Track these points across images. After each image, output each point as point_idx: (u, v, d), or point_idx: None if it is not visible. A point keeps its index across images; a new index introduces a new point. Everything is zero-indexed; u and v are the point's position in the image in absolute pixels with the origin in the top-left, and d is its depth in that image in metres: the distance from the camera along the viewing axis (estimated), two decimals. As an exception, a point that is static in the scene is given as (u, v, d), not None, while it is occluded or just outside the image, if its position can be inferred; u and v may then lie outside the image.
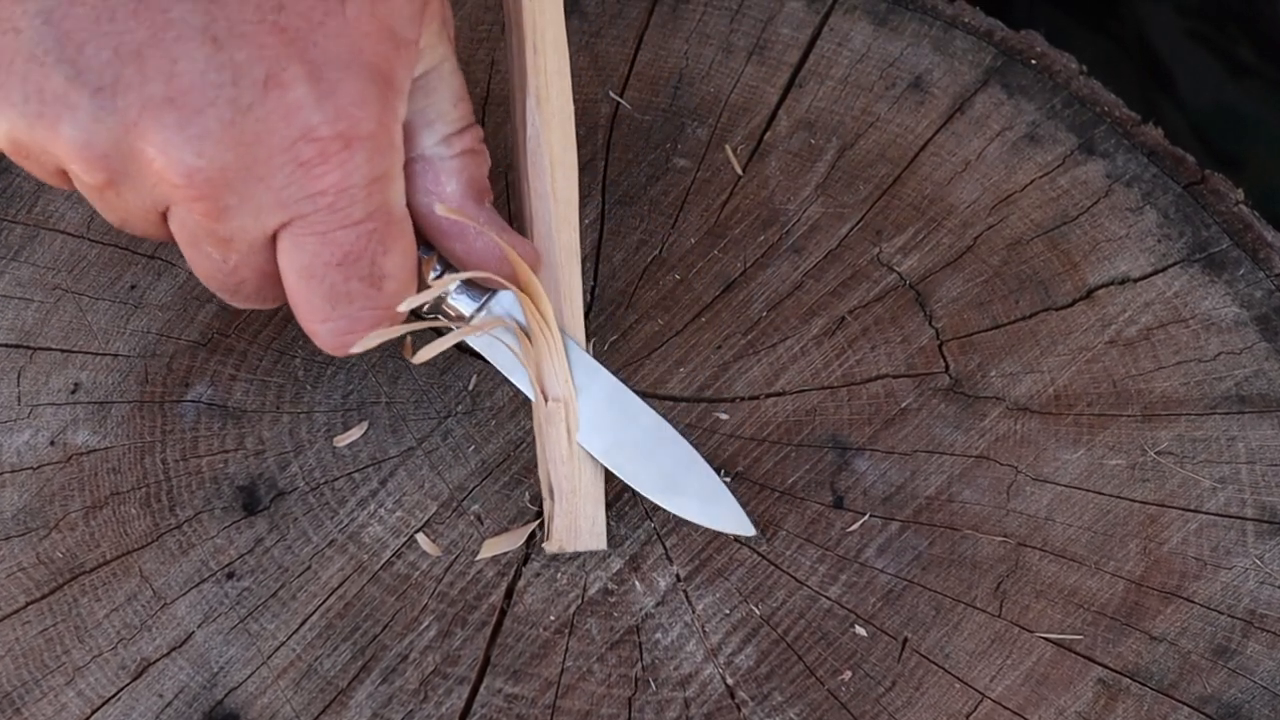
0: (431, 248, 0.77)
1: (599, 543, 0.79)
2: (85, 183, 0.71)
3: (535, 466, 0.80)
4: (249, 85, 0.68)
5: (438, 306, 0.78)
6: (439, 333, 0.80)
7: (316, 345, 0.75)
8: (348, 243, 0.72)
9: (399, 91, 0.72)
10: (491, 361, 0.80)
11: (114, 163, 0.69)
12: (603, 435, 0.79)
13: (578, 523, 0.79)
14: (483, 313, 0.78)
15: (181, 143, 0.68)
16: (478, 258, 0.76)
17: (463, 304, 0.78)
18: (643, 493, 0.79)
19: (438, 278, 0.77)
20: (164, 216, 0.72)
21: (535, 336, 0.78)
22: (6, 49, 0.68)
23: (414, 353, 0.77)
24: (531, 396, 0.79)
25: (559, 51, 0.81)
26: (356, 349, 0.75)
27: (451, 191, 0.76)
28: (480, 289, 0.78)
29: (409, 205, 0.74)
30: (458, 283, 0.77)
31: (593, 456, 0.79)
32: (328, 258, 0.72)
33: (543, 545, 0.79)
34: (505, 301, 0.78)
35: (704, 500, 0.79)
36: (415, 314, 0.77)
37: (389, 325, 0.75)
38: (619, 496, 0.80)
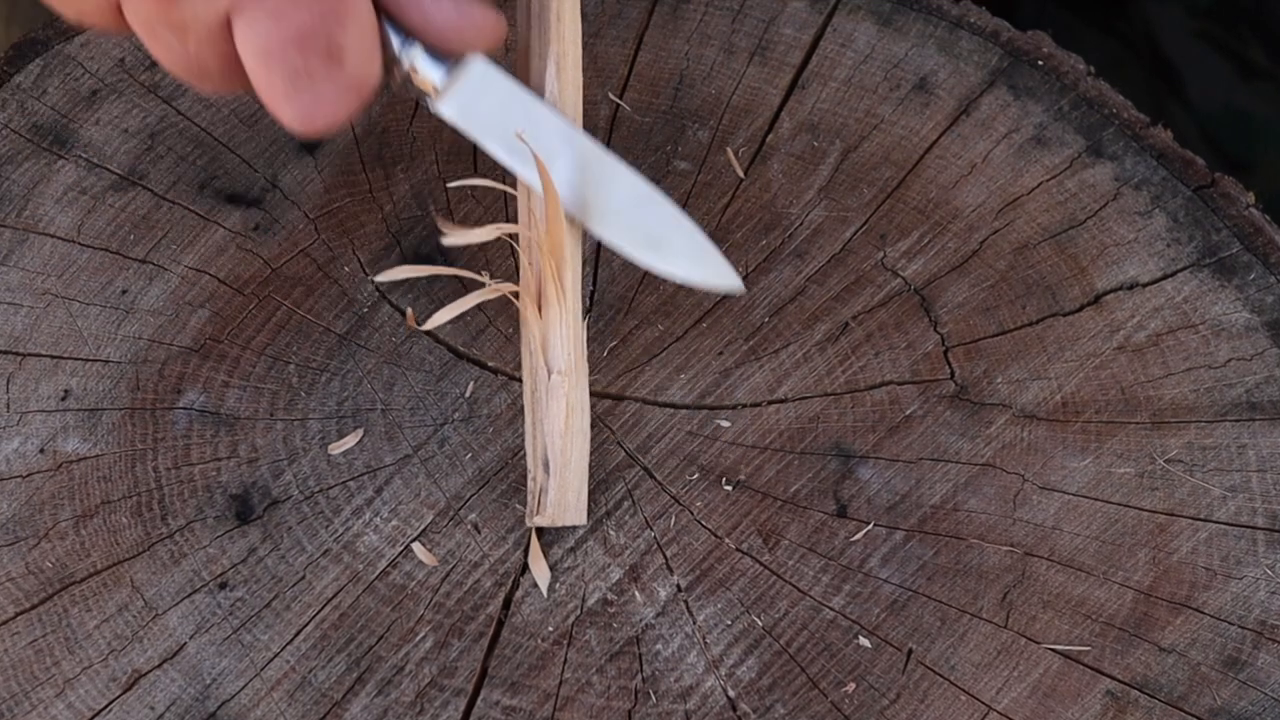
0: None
1: (581, 518, 0.79)
2: None
3: (533, 474, 0.81)
4: None
5: (408, 82, 0.77)
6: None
7: (285, 125, 0.74)
8: (300, 19, 0.72)
9: None
10: (484, 146, 0.79)
11: None
12: (584, 200, 0.78)
13: (566, 497, 0.79)
14: (452, 77, 0.77)
15: None
16: (436, 27, 0.76)
17: (432, 73, 0.77)
18: (628, 256, 0.78)
19: (401, 48, 0.76)
20: (118, 7, 0.73)
21: (549, 304, 0.78)
22: None
23: (420, 319, 0.77)
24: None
25: (574, 22, 0.81)
26: (321, 126, 0.74)
27: None
28: (445, 53, 0.77)
29: None
30: (420, 51, 0.76)
31: (588, 430, 0.79)
32: (282, 36, 0.72)
33: (533, 520, 0.79)
34: (475, 68, 0.77)
35: (690, 258, 0.79)
36: (386, 87, 0.76)
37: (353, 102, 0.74)
38: (618, 505, 0.81)
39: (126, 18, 0.73)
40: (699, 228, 0.78)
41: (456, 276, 0.84)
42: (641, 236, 0.78)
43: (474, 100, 0.78)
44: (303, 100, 0.74)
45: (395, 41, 0.76)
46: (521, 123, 0.78)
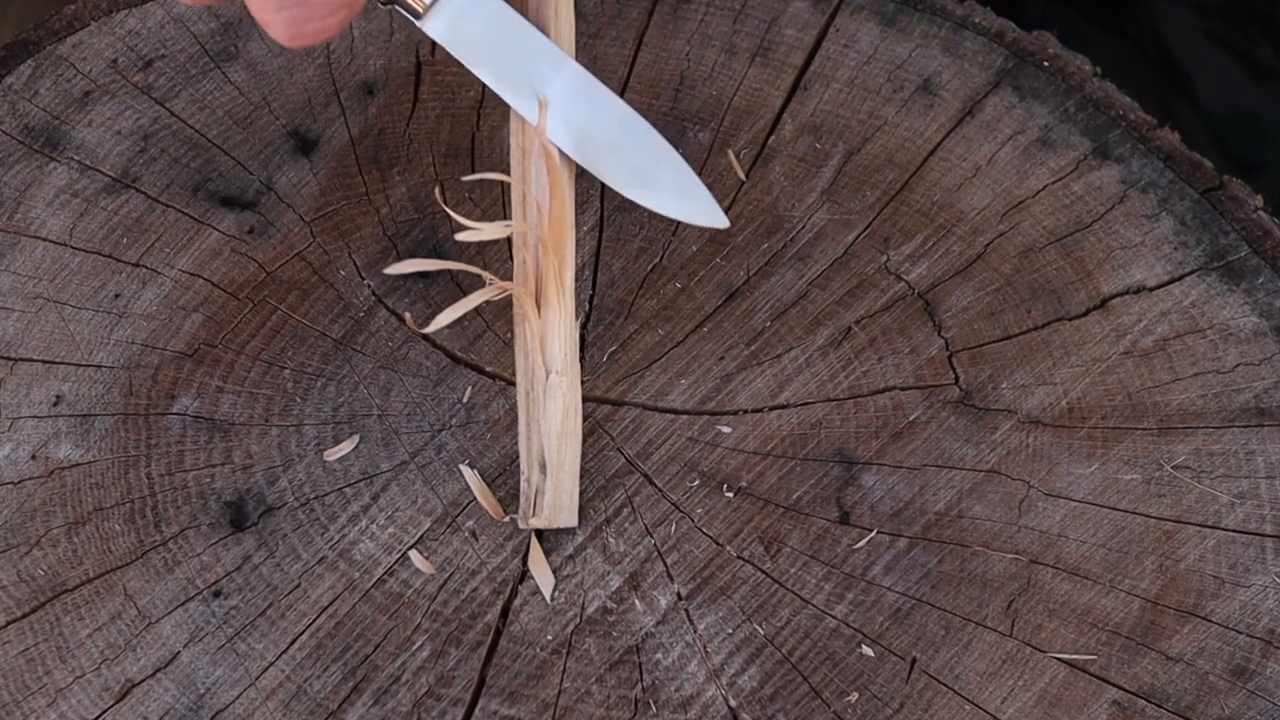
0: None
1: (573, 520, 0.80)
2: None
3: (532, 481, 0.81)
4: None
5: None
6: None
7: (273, 36, 0.74)
8: None
9: None
10: (488, 81, 0.79)
11: None
12: (571, 129, 0.78)
13: (560, 499, 0.79)
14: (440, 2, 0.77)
15: None
16: None
17: None
18: (614, 187, 0.79)
19: None
20: None
21: (548, 303, 0.78)
22: None
23: (420, 321, 0.77)
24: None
25: (569, 20, 0.81)
26: (310, 39, 0.74)
27: None
28: None
29: None
30: None
31: (580, 432, 0.79)
32: None
33: (528, 522, 0.79)
34: None
35: (676, 194, 0.79)
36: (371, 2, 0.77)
37: (344, 13, 0.74)
38: (618, 512, 0.81)
39: None
40: (686, 162, 0.79)
41: (454, 281, 0.85)
42: (627, 168, 0.79)
43: (462, 19, 0.78)
44: (294, 10, 0.73)
45: None
46: (510, 44, 0.78)
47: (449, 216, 0.84)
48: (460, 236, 0.76)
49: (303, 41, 0.74)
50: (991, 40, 0.92)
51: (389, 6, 0.77)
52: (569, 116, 0.78)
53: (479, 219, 0.87)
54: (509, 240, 0.84)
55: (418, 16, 0.77)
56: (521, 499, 0.80)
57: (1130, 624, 0.79)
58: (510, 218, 0.84)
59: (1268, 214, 0.87)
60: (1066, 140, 0.89)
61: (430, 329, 0.76)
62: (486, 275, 0.80)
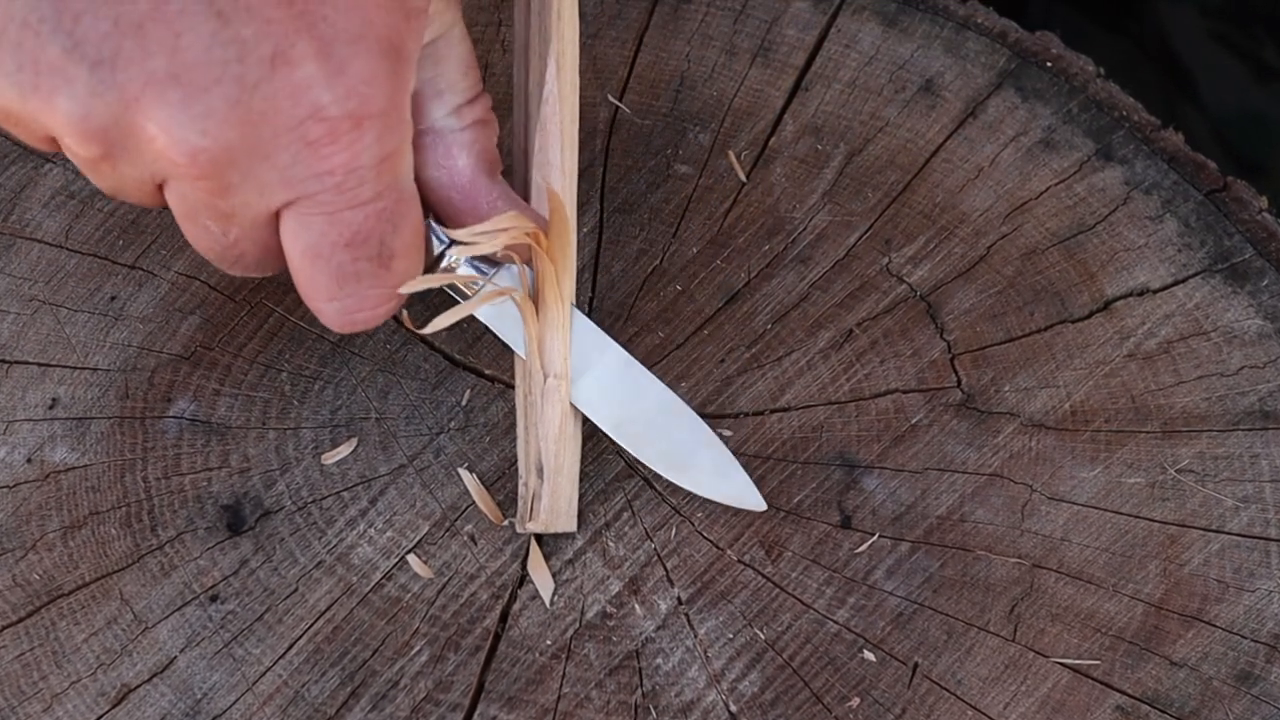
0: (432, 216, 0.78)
1: (571, 525, 0.80)
2: (79, 155, 0.71)
3: (531, 485, 0.81)
4: (255, 62, 0.68)
5: (443, 275, 0.78)
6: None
7: (322, 322, 0.75)
8: (356, 222, 0.72)
9: (409, 63, 0.72)
10: (492, 328, 0.80)
11: (112, 137, 0.69)
12: (613, 409, 0.80)
13: (558, 503, 0.79)
14: (488, 278, 0.79)
15: (186, 121, 0.68)
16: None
17: (471, 273, 0.79)
18: (653, 468, 0.80)
19: (444, 248, 0.77)
20: (160, 188, 0.72)
21: (547, 308, 0.78)
22: None
23: (415, 325, 0.77)
24: (526, 358, 0.79)
25: (573, 21, 0.81)
26: (361, 326, 0.75)
27: (463, 165, 0.76)
28: (489, 260, 0.79)
29: (417, 179, 0.75)
30: (467, 257, 0.78)
31: (579, 435, 0.79)
32: (335, 237, 0.72)
33: (525, 526, 0.79)
34: (511, 272, 0.79)
35: (715, 475, 0.80)
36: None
37: (395, 302, 0.75)
38: (618, 516, 0.81)
39: (167, 199, 0.73)
40: (725, 446, 0.80)
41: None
42: (668, 451, 0.80)
43: (509, 305, 0.79)
44: (346, 301, 0.74)
45: (435, 242, 0.77)
46: (554, 332, 0.79)
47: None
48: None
49: (353, 329, 0.76)
50: (994, 41, 0.92)
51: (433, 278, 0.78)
52: (611, 396, 0.80)
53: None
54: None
55: (464, 298, 0.79)
56: (519, 503, 0.80)
57: (1134, 629, 0.79)
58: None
59: (1272, 215, 0.87)
60: (1069, 141, 0.89)
61: (428, 330, 0.76)
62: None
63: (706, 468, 0.80)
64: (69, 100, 0.68)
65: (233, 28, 0.68)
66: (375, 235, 0.73)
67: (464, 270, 0.78)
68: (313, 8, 0.69)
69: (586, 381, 0.80)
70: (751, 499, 0.80)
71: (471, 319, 0.81)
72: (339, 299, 0.74)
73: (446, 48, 0.75)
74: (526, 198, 0.81)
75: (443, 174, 0.77)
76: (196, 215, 0.73)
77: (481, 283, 0.79)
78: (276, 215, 0.72)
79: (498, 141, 0.78)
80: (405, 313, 0.79)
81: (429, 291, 0.83)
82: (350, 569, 0.80)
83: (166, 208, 0.73)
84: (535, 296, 0.79)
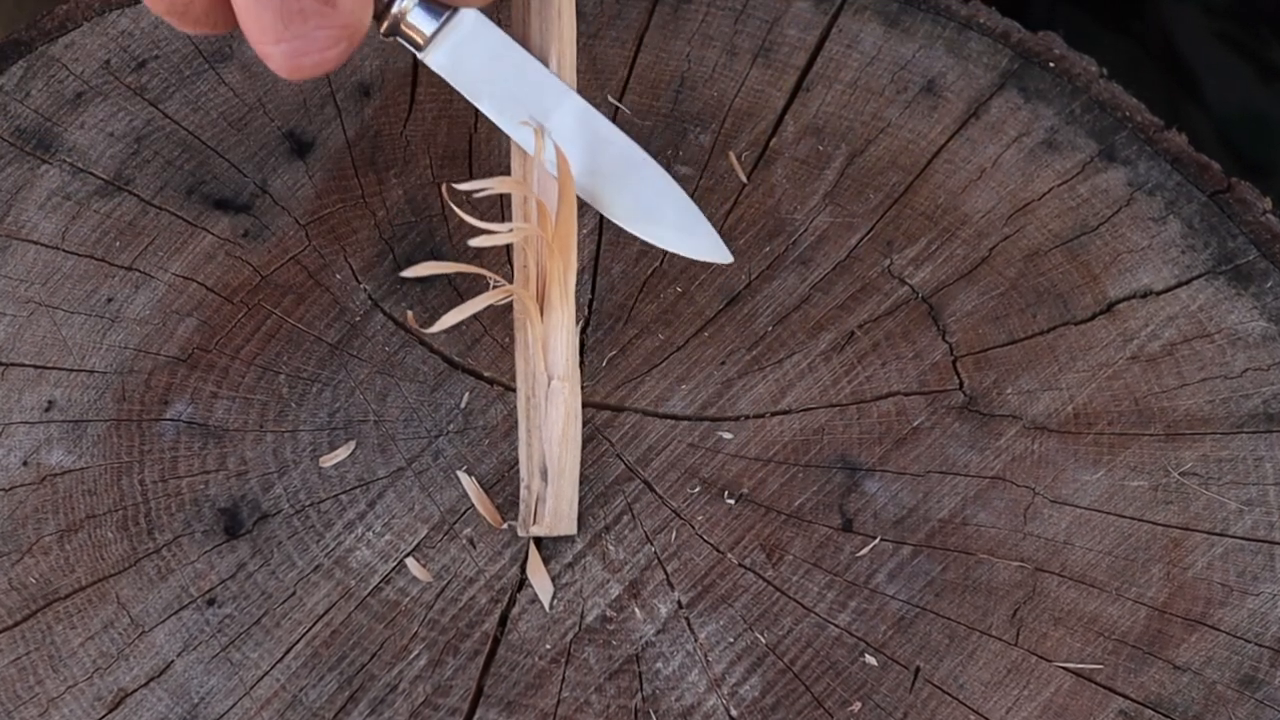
0: None
1: (572, 528, 0.80)
2: None
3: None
4: None
5: (396, 28, 0.78)
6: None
7: (271, 69, 0.75)
8: None
9: None
10: (488, 113, 0.79)
11: None
12: (574, 163, 0.79)
13: (561, 506, 0.79)
14: (443, 31, 0.78)
15: None
16: None
17: (422, 22, 0.77)
18: (618, 222, 0.79)
19: None
20: None
21: (552, 309, 0.79)
22: None
23: (420, 324, 0.77)
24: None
25: (571, 22, 0.81)
26: (309, 71, 0.74)
27: None
28: (439, 4, 0.78)
29: None
30: (415, 2, 0.77)
31: (580, 437, 0.79)
32: None
33: (529, 530, 0.80)
34: (467, 20, 0.78)
35: (681, 229, 0.79)
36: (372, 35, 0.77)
37: (344, 46, 0.74)
38: (618, 519, 0.81)
39: None
40: (689, 197, 0.79)
41: (451, 284, 0.85)
42: (631, 203, 0.79)
43: (463, 51, 0.78)
44: (293, 42, 0.73)
45: None
46: (512, 76, 0.78)
47: (460, 219, 0.84)
48: (474, 242, 0.76)
49: (302, 74, 0.74)
50: (996, 41, 0.92)
51: (390, 38, 0.78)
52: (572, 150, 0.78)
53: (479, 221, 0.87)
54: (508, 244, 0.84)
55: (419, 49, 0.78)
56: (521, 506, 0.80)
57: (1137, 633, 0.79)
58: (512, 219, 0.84)
59: (1277, 217, 0.88)
60: (1072, 142, 0.89)
61: (434, 329, 0.76)
62: (492, 277, 0.80)
63: (672, 221, 0.79)
64: None
65: None
66: None
67: (415, 17, 0.77)
68: None
69: (544, 131, 0.78)
70: (718, 252, 0.79)
71: (469, 320, 0.81)
72: (286, 40, 0.73)
73: None
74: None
75: None
76: None
77: (431, 32, 0.77)
78: None
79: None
80: (410, 314, 0.79)
81: (429, 292, 0.84)
82: (348, 572, 0.80)
83: None
84: (540, 295, 0.79)
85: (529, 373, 0.80)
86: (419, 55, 0.78)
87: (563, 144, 0.78)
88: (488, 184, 0.76)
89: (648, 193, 0.79)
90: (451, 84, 0.79)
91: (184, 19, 0.75)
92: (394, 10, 0.76)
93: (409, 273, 0.75)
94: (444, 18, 0.78)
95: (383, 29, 0.77)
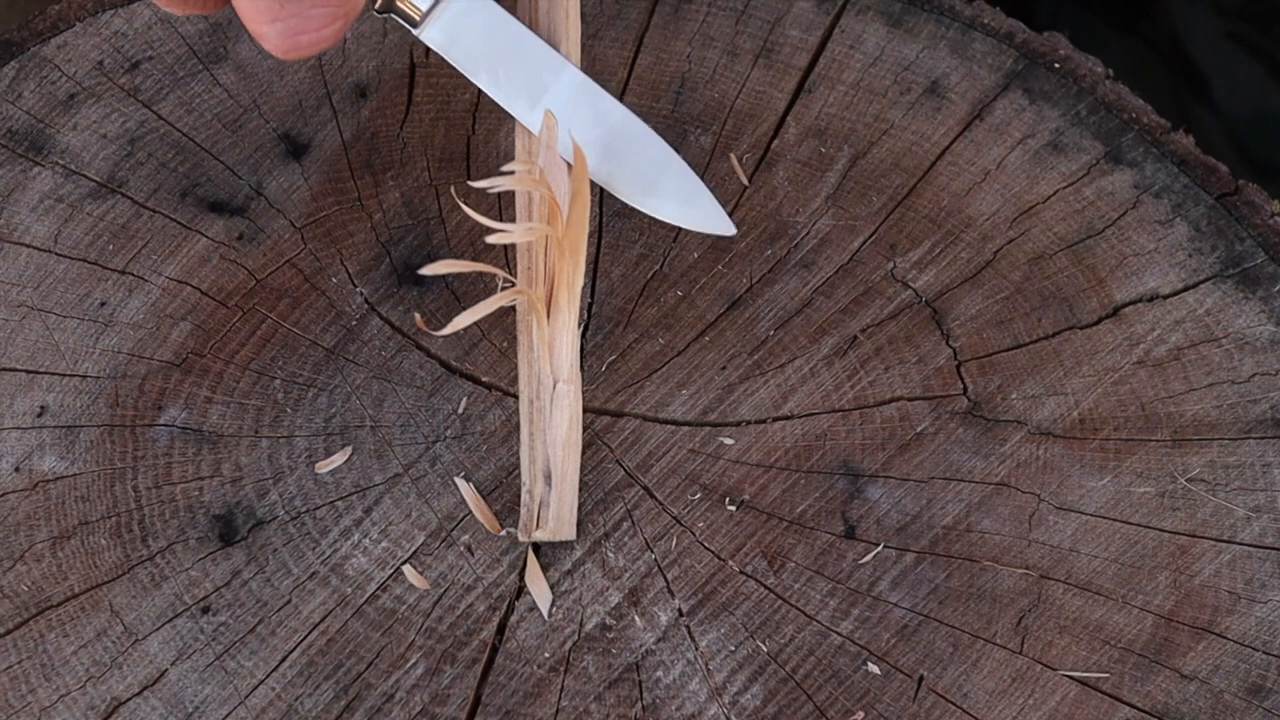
0: None
1: (572, 533, 0.80)
2: None
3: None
4: None
5: (390, 4, 0.78)
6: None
7: (266, 49, 0.75)
8: None
9: None
10: (497, 98, 0.80)
11: None
12: (574, 135, 0.79)
13: (563, 511, 0.80)
14: (438, 7, 0.78)
15: None
16: None
17: None
18: (618, 195, 0.80)
19: None
20: None
21: (559, 311, 0.79)
22: None
23: (429, 327, 0.78)
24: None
25: (576, 24, 0.82)
26: (305, 50, 0.75)
27: None
28: None
29: None
30: None
31: (580, 442, 0.80)
32: None
33: (532, 535, 0.80)
34: None
35: (682, 201, 0.80)
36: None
37: (340, 24, 0.75)
38: (617, 526, 0.82)
39: None
40: (691, 168, 0.79)
41: (448, 288, 0.85)
42: (632, 176, 0.79)
43: (459, 26, 0.78)
44: (289, 21, 0.74)
45: None
46: (509, 51, 0.78)
47: (462, 219, 0.84)
48: (490, 239, 0.77)
49: (298, 54, 0.75)
50: (1001, 41, 0.92)
51: (385, 15, 0.78)
52: (570, 123, 0.79)
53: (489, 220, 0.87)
54: (507, 244, 0.85)
55: (414, 25, 0.78)
56: (523, 511, 0.80)
57: (1143, 641, 0.79)
58: (514, 219, 0.84)
59: (1285, 220, 0.88)
60: (1078, 144, 0.90)
61: (446, 331, 0.76)
62: (507, 277, 0.80)
63: (673, 193, 0.80)
64: None
65: None
66: None
67: None
68: None
69: (543, 106, 0.79)
70: (720, 224, 0.80)
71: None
72: (281, 19, 0.74)
73: None
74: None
75: None
76: None
77: (427, 8, 0.78)
78: None
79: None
80: (418, 315, 0.80)
81: (426, 296, 0.84)
82: (345, 580, 0.80)
83: None
84: (547, 296, 0.79)
85: (533, 376, 0.80)
86: (414, 32, 0.78)
87: (561, 117, 0.78)
88: (501, 182, 0.77)
89: (649, 166, 0.80)
90: (448, 60, 0.79)
91: (175, 1, 0.75)
92: None
93: (427, 270, 0.76)
94: None
95: (377, 5, 0.78)
